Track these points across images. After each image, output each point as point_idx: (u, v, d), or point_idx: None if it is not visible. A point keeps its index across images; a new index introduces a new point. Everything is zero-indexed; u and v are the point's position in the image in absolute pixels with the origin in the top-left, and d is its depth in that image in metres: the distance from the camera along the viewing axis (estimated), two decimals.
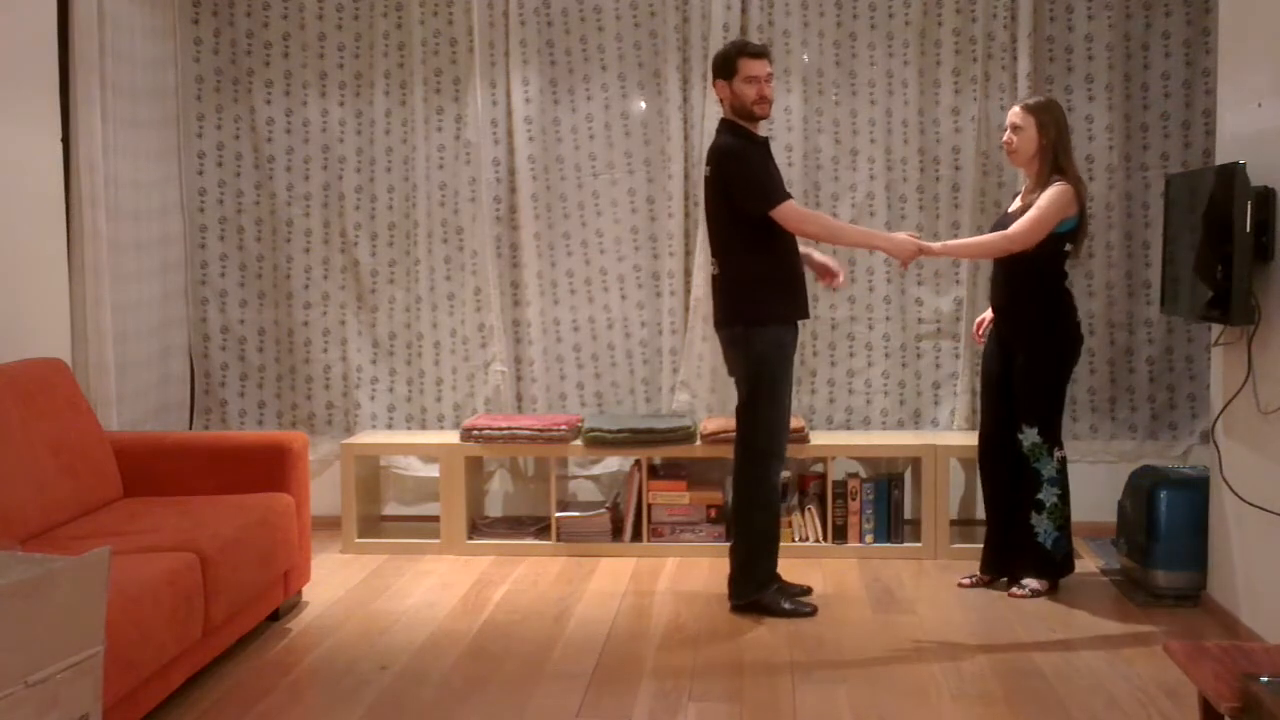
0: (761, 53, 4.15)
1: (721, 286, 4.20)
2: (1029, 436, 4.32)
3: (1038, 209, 4.20)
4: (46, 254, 4.39)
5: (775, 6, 5.20)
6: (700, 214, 4.88)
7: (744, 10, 5.18)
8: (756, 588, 4.20)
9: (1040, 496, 4.33)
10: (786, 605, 4.20)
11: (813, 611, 4.20)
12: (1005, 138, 4.34)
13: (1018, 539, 4.40)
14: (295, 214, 5.43)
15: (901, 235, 4.32)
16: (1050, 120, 4.25)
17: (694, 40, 5.22)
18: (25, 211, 4.24)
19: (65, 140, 4.48)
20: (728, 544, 4.96)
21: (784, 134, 5.21)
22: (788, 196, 4.12)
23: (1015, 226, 4.24)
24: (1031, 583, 4.38)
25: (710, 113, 5.20)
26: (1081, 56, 5.13)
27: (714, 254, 4.22)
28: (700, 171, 4.81)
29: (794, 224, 4.11)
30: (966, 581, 4.53)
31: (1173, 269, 4.28)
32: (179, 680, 3.35)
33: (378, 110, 5.36)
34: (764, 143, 4.22)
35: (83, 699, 2.44)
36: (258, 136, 5.41)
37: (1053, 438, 4.32)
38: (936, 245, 4.39)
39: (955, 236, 5.19)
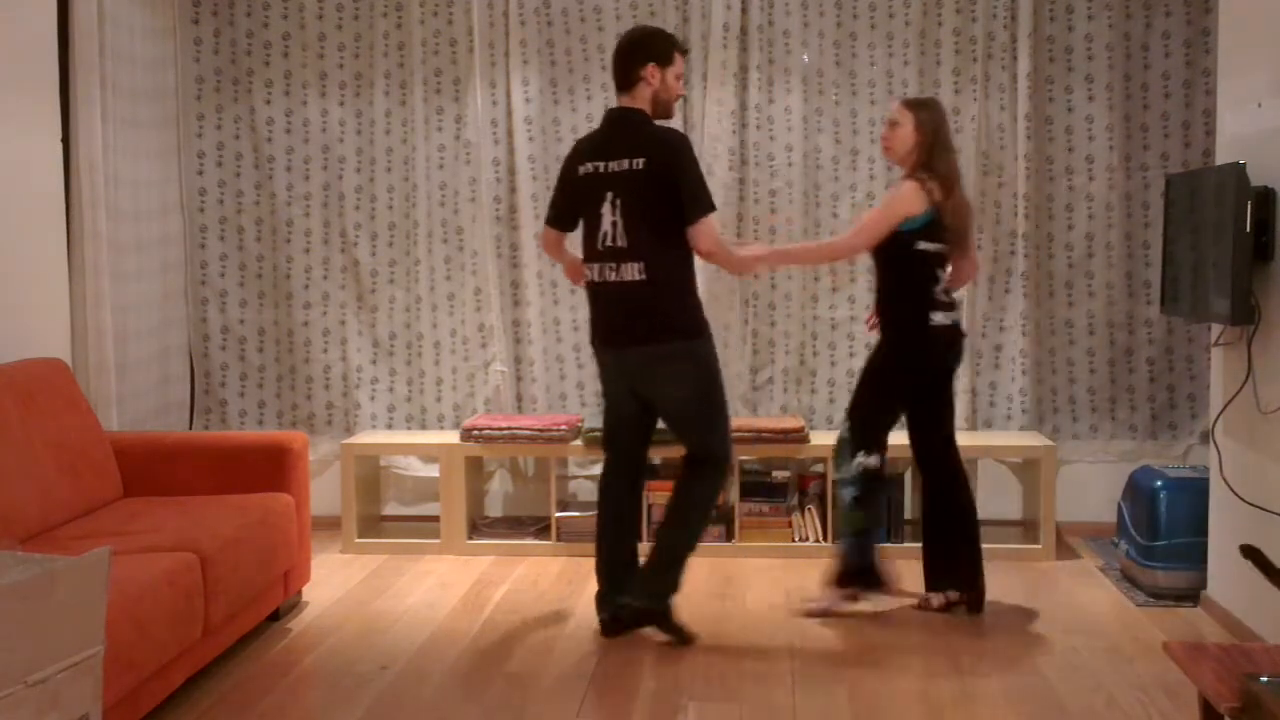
0: (686, 51, 4.06)
1: (652, 295, 3.77)
2: (844, 429, 4.19)
3: (876, 208, 4.14)
4: (46, 254, 4.39)
5: (775, 6, 5.20)
6: None
7: (744, 10, 5.18)
8: (669, 594, 3.92)
9: (840, 494, 4.20)
10: (679, 624, 3.93)
11: (692, 640, 3.91)
12: (883, 133, 4.20)
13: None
14: (295, 214, 5.43)
15: (753, 247, 4.19)
16: (929, 119, 4.09)
17: (694, 40, 5.22)
18: (25, 211, 4.24)
19: (65, 140, 4.48)
20: (727, 544, 4.99)
21: (784, 134, 5.21)
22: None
23: (851, 230, 4.18)
24: (841, 591, 4.21)
25: (710, 113, 5.21)
26: (1081, 56, 5.13)
27: (640, 257, 3.76)
28: None
29: (712, 237, 3.78)
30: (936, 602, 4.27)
31: (1173, 269, 4.27)
32: (179, 680, 3.34)
33: (378, 110, 5.37)
34: None
35: (83, 699, 2.44)
36: (258, 136, 5.41)
37: (865, 440, 4.10)
38: (765, 251, 4.17)
39: None
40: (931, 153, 4.08)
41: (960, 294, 5.18)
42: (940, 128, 4.13)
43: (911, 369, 4.12)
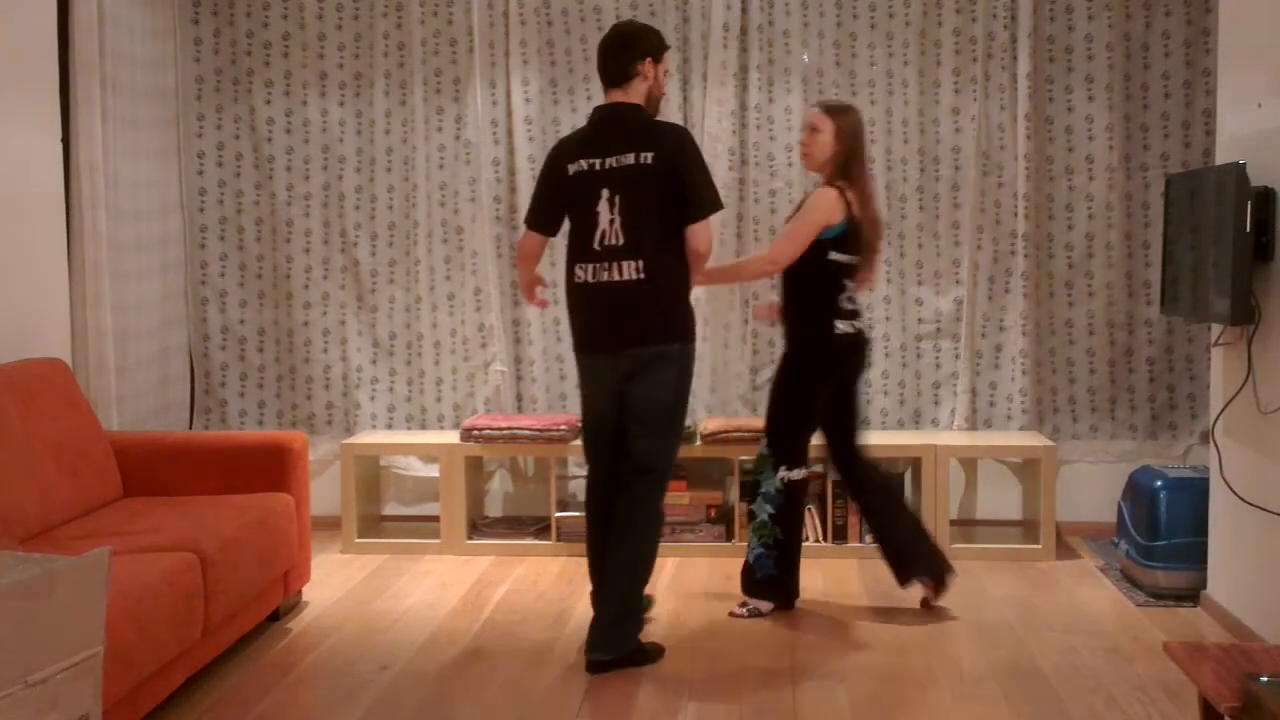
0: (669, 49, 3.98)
1: (651, 294, 3.68)
2: (761, 447, 4.15)
3: (796, 219, 4.05)
4: (46, 254, 4.39)
5: (775, 6, 5.20)
6: None
7: (744, 10, 5.18)
8: (635, 633, 3.76)
9: (754, 508, 4.18)
10: (650, 648, 3.79)
11: (662, 651, 3.82)
12: (801, 139, 4.15)
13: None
14: (295, 214, 5.43)
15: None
16: (848, 127, 4.05)
17: (694, 40, 5.22)
18: (25, 211, 4.24)
19: (65, 140, 4.48)
20: (727, 544, 4.98)
21: (784, 134, 5.21)
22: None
23: (774, 243, 4.11)
24: (754, 602, 4.21)
25: (710, 113, 5.20)
26: (1081, 56, 5.13)
27: (640, 255, 3.66)
28: None
29: (710, 238, 3.72)
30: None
31: (1173, 269, 4.27)
32: (179, 680, 3.34)
33: (378, 110, 5.36)
34: None
35: (83, 699, 2.44)
36: (258, 136, 5.41)
37: (786, 455, 4.09)
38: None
39: (956, 237, 5.21)
40: (849, 162, 4.04)
41: (964, 293, 5.20)
42: (858, 136, 4.10)
43: (819, 378, 4.10)
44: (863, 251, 4.06)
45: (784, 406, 4.11)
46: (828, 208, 3.98)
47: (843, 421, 4.22)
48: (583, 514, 5.02)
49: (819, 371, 4.09)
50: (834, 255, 4.00)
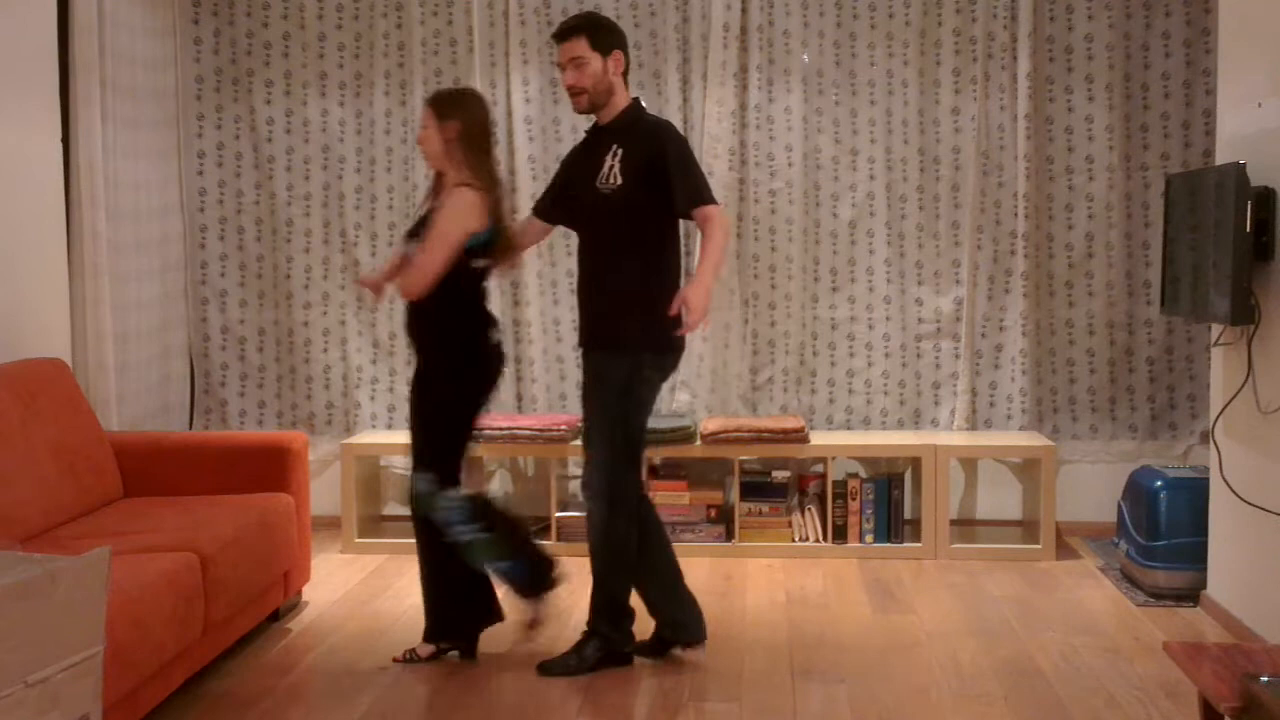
0: (556, 40, 3.71)
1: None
2: (420, 482, 3.67)
3: (435, 228, 3.59)
4: (46, 254, 4.39)
5: (775, 6, 5.20)
6: None
7: (744, 10, 5.18)
8: (615, 628, 3.71)
9: (456, 544, 3.67)
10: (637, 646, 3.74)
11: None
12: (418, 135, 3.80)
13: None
14: (295, 214, 5.42)
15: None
16: (454, 115, 3.65)
17: (694, 40, 5.22)
18: (25, 211, 4.24)
19: (65, 141, 4.48)
20: (727, 544, 4.98)
21: (784, 134, 5.21)
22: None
23: (419, 257, 3.60)
24: (536, 611, 3.78)
25: (710, 113, 5.20)
26: (1081, 56, 5.13)
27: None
28: None
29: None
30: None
31: (1173, 269, 4.27)
32: (179, 680, 3.34)
33: (378, 110, 5.36)
34: None
35: (83, 699, 2.44)
36: (258, 136, 5.41)
37: (446, 480, 3.66)
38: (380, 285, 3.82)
39: (956, 237, 5.21)
40: (468, 157, 3.64)
41: (965, 293, 5.20)
42: (473, 125, 3.67)
43: (470, 391, 3.72)
44: (502, 260, 3.77)
45: (436, 432, 3.71)
46: (472, 212, 3.59)
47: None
48: (582, 514, 5.05)
49: (472, 386, 3.72)
50: (480, 263, 3.66)
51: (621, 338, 3.57)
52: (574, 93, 3.62)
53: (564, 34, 3.62)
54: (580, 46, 3.58)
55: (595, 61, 3.58)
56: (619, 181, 3.58)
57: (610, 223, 3.62)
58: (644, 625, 3.81)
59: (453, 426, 3.73)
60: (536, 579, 3.75)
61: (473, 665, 3.77)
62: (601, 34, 3.62)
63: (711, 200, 3.60)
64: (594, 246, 3.70)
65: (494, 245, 3.69)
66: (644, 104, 3.83)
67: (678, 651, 3.77)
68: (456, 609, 3.84)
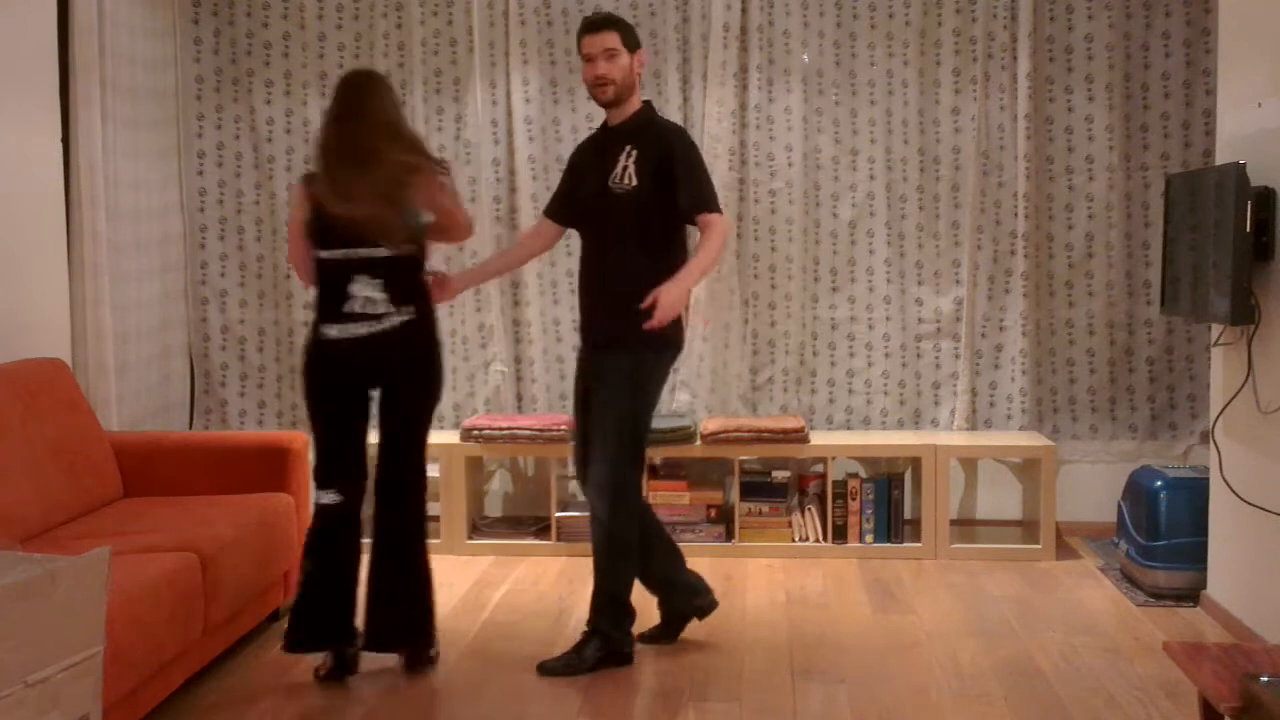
0: (581, 34, 3.72)
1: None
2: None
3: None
4: (46, 254, 4.39)
5: (775, 6, 5.20)
6: None
7: (744, 10, 5.18)
8: (614, 626, 3.74)
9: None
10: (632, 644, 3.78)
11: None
12: None
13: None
14: None
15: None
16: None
17: (694, 40, 5.22)
18: (25, 211, 4.24)
19: (65, 140, 4.48)
20: (727, 544, 4.98)
21: (784, 134, 5.21)
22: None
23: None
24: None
25: (710, 113, 5.20)
26: (1081, 56, 5.13)
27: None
28: None
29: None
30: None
31: (1173, 269, 4.27)
32: (179, 680, 3.34)
33: None
34: None
35: (83, 699, 2.44)
36: (258, 136, 5.41)
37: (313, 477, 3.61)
38: None
39: (956, 237, 5.21)
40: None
41: (965, 293, 5.19)
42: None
43: (314, 386, 3.58)
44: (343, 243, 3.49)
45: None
46: (293, 200, 3.54)
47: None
48: (582, 514, 5.06)
49: (312, 379, 3.58)
50: (324, 255, 3.51)
51: (628, 336, 3.57)
52: (601, 83, 3.64)
53: (599, 25, 3.66)
54: (614, 39, 3.64)
55: (625, 56, 3.65)
56: (634, 182, 3.61)
57: (622, 222, 3.63)
58: (644, 623, 3.82)
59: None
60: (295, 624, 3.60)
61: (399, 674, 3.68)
62: (630, 32, 3.70)
63: (716, 209, 3.63)
64: (602, 246, 3.71)
65: (322, 233, 3.50)
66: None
67: (695, 622, 3.89)
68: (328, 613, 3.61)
